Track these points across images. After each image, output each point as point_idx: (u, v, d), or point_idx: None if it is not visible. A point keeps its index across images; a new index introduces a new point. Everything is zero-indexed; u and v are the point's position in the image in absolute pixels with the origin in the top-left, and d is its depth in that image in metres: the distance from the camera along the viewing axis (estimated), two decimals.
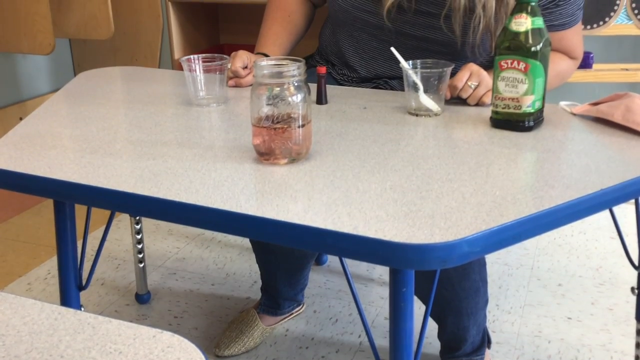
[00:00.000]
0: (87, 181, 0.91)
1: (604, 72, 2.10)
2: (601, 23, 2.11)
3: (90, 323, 0.58)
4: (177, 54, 2.46)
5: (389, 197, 0.85)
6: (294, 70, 0.94)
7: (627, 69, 2.12)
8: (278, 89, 0.95)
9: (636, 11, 2.11)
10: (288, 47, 1.47)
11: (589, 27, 2.12)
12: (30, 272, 1.97)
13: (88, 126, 1.16)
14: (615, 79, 2.09)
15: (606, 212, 1.24)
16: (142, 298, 1.79)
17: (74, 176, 0.93)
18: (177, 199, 0.85)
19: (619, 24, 2.13)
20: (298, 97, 0.95)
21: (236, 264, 2.01)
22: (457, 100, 1.26)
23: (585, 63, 2.10)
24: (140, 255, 1.77)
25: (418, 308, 1.01)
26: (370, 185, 0.89)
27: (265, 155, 0.98)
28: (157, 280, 1.92)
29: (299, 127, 0.96)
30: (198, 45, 2.56)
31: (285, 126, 0.95)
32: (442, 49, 1.32)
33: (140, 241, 1.75)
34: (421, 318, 0.98)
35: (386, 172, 0.94)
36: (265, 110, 0.95)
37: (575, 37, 1.34)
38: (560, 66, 1.34)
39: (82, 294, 1.84)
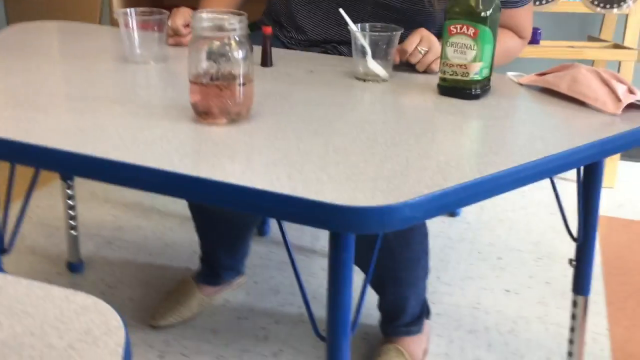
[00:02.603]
0: (7, 135, 0.84)
1: (550, 49, 2.12)
2: (550, 0, 2.12)
3: None
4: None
5: (332, 159, 0.82)
6: (236, 23, 0.89)
7: (572, 46, 2.14)
8: (218, 43, 0.89)
9: None
10: (234, 7, 1.41)
11: (537, 3, 2.12)
12: None
13: (13, 79, 1.08)
14: (562, 56, 2.11)
15: (547, 189, 1.25)
16: (75, 266, 1.72)
17: None
18: (104, 156, 0.79)
19: (568, 2, 2.14)
20: (239, 53, 0.90)
21: (176, 234, 1.95)
22: (405, 66, 1.24)
23: (533, 39, 2.11)
24: (73, 223, 1.69)
25: (361, 280, 1.00)
26: (313, 147, 0.85)
27: (203, 114, 0.92)
28: (92, 249, 1.85)
29: (239, 85, 0.91)
30: (140, 4, 2.45)
31: (225, 83, 0.90)
32: (399, 17, 1.29)
33: (72, 207, 1.67)
34: (359, 287, 0.96)
35: (330, 135, 0.90)
36: (204, 65, 0.90)
37: (526, 16, 1.33)
38: (508, 43, 1.33)
39: (12, 262, 1.75)
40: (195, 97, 0.92)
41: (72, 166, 0.80)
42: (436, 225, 2.05)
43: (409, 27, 1.24)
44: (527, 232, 2.04)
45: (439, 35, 1.30)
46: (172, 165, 0.78)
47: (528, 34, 1.36)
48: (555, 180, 1.22)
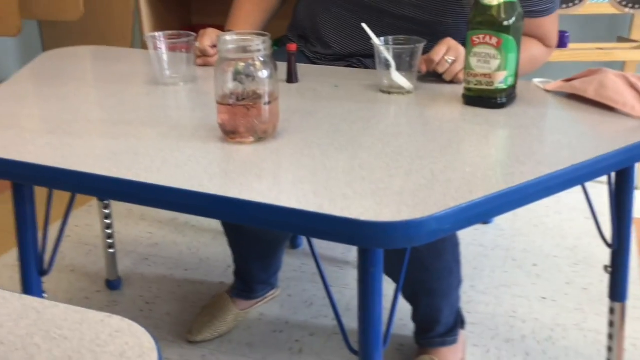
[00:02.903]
0: (44, 162, 0.87)
1: (579, 52, 2.09)
2: (577, 2, 2.10)
3: (36, 308, 0.55)
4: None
5: (357, 174, 0.83)
6: (259, 44, 0.91)
7: (601, 48, 2.11)
8: (243, 64, 0.91)
9: None
10: (260, 25, 1.43)
11: (564, 6, 2.10)
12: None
13: (48, 106, 1.11)
14: (590, 58, 2.08)
15: (582, 193, 1.23)
16: (113, 284, 1.76)
17: (30, 157, 0.89)
18: (135, 179, 0.81)
19: (595, 3, 2.12)
20: (264, 73, 0.92)
21: (210, 249, 1.98)
22: (432, 76, 1.24)
23: (561, 42, 2.08)
24: (110, 241, 1.73)
25: (386, 288, 1.00)
26: (338, 163, 0.87)
27: (230, 133, 0.94)
28: (129, 266, 1.89)
29: (265, 104, 0.92)
30: (169, 26, 2.50)
31: (251, 103, 0.92)
32: (423, 30, 1.30)
33: (109, 226, 1.71)
34: (392, 302, 0.96)
35: (355, 149, 0.91)
36: (230, 86, 0.92)
37: (552, 24, 1.33)
38: (534, 51, 1.32)
39: (52, 281, 1.80)
40: (223, 118, 0.94)
41: (104, 190, 0.83)
42: (469, 233, 2.03)
43: (432, 39, 1.24)
44: (562, 237, 2.01)
45: (463, 44, 1.31)
46: (201, 185, 0.80)
47: (554, 42, 1.35)
48: (589, 183, 1.21)
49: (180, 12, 2.62)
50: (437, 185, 0.79)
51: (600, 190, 2.06)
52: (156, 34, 1.23)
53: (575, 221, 2.10)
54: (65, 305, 0.55)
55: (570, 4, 2.10)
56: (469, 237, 2.01)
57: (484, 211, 0.76)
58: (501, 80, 1.05)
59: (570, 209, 2.17)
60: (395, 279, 1.28)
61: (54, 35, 2.94)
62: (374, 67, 1.37)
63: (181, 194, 0.78)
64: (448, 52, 1.20)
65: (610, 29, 2.39)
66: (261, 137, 0.94)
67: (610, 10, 2.12)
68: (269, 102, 0.93)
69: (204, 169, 0.85)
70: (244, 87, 0.92)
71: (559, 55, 2.08)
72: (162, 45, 1.23)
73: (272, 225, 0.76)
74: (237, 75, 0.91)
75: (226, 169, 0.85)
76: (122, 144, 0.93)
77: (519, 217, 2.13)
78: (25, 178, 0.92)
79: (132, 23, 2.65)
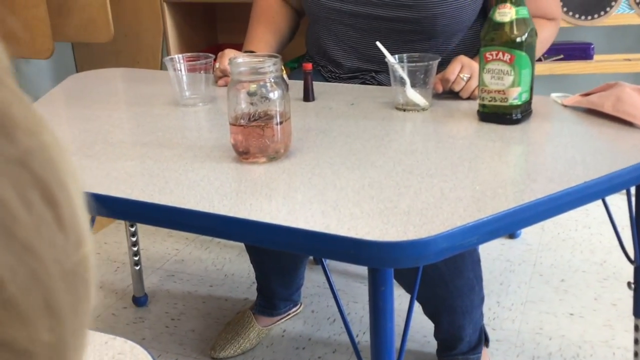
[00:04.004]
0: None
1: (605, 63, 2.06)
2: (602, 13, 2.07)
3: None
4: (173, 55, 2.45)
5: (366, 194, 0.83)
6: (270, 66, 0.92)
7: (629, 59, 2.08)
8: (255, 86, 0.93)
9: (638, 0, 2.06)
10: (275, 46, 1.45)
11: (589, 17, 2.08)
12: None
13: (70, 128, 1.15)
14: (618, 70, 2.04)
15: (612, 206, 1.21)
16: (139, 301, 1.79)
17: None
18: (149, 200, 0.83)
19: (621, 14, 2.09)
20: (275, 94, 0.93)
21: (235, 265, 1.99)
22: (448, 94, 1.24)
23: (586, 54, 2.06)
24: (136, 258, 1.76)
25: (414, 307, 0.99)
26: (349, 182, 0.87)
27: (243, 154, 0.96)
28: (156, 282, 1.91)
29: (276, 124, 0.94)
30: (195, 45, 2.55)
31: (262, 124, 0.93)
32: (416, 28, 1.31)
33: (135, 244, 1.74)
34: (416, 316, 0.96)
35: (366, 168, 0.92)
36: (243, 108, 0.94)
37: (552, 1, 1.34)
38: (542, 33, 1.32)
39: None
40: (235, 138, 0.96)
41: (117, 211, 0.85)
42: (495, 248, 2.01)
43: (431, 37, 1.27)
44: (591, 251, 1.97)
45: (466, 43, 1.34)
46: (212, 206, 0.81)
47: (557, 13, 1.37)
48: (616, 195, 1.18)
49: (206, 31, 2.66)
50: (445, 204, 0.79)
51: (625, 202, 2.02)
52: (175, 56, 1.26)
53: (605, 235, 2.06)
54: None
55: (596, 15, 2.07)
56: (495, 252, 1.98)
57: (491, 230, 0.76)
58: (515, 96, 1.05)
59: (600, 222, 2.13)
60: (416, 297, 1.28)
61: (87, 56, 3.02)
62: (387, 83, 1.38)
63: (191, 214, 0.80)
64: (462, 70, 1.20)
65: (639, 41, 2.34)
66: (273, 156, 0.96)
67: (638, 20, 2.09)
68: (281, 122, 0.94)
69: (215, 190, 0.86)
70: (255, 108, 0.93)
71: (584, 67, 2.05)
72: (182, 67, 1.26)
73: (279, 245, 0.77)
74: (248, 97, 0.93)
75: (237, 189, 0.87)
76: (138, 165, 0.96)
77: (546, 232, 2.10)
78: None
79: (162, 44, 2.71)
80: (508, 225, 0.77)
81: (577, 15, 2.08)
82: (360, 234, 0.73)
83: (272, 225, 0.76)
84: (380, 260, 0.72)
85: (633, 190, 1.12)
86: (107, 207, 0.86)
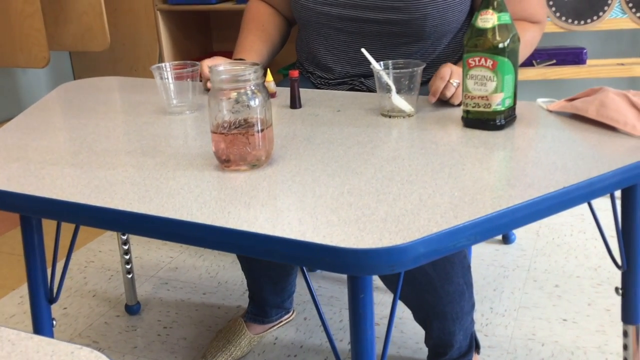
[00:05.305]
0: (42, 193, 0.90)
1: (598, 68, 2.06)
2: (595, 18, 2.07)
3: (11, 339, 0.57)
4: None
5: (345, 200, 0.83)
6: (250, 74, 0.92)
7: (622, 64, 2.07)
8: (235, 93, 0.93)
9: (630, 4, 2.06)
10: (265, 54, 1.45)
11: (582, 22, 2.08)
12: (23, 286, 1.97)
13: (56, 137, 1.15)
14: (611, 74, 2.04)
15: (608, 210, 1.20)
16: (132, 309, 1.78)
17: (30, 189, 0.92)
18: (128, 209, 0.83)
19: (614, 18, 2.09)
20: (256, 102, 0.93)
21: (229, 272, 1.99)
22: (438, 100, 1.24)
23: (579, 59, 2.06)
24: (128, 266, 1.76)
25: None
26: (328, 189, 0.87)
27: (225, 162, 0.96)
28: (149, 290, 1.91)
29: (257, 132, 0.94)
30: (190, 53, 2.55)
31: (243, 132, 0.93)
32: (406, 30, 1.32)
33: (127, 252, 1.74)
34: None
35: (347, 175, 0.91)
36: (223, 115, 0.94)
37: (537, 2, 1.34)
38: (526, 36, 1.32)
39: (74, 306, 1.84)
40: (217, 146, 0.96)
41: (96, 220, 0.85)
42: (489, 254, 2.00)
43: (420, 39, 1.28)
44: (586, 257, 1.97)
45: (454, 54, 1.35)
46: (190, 214, 0.81)
47: (541, 17, 1.36)
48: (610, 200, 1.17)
49: (201, 39, 2.67)
50: (423, 210, 0.79)
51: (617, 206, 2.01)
52: (162, 64, 1.26)
53: (599, 240, 2.05)
54: (39, 337, 0.57)
55: (589, 20, 2.07)
56: (489, 258, 1.98)
57: (468, 236, 0.75)
58: (498, 102, 1.05)
59: (595, 227, 2.12)
60: (407, 303, 1.29)
61: (85, 64, 3.03)
62: (375, 89, 1.38)
63: (169, 223, 0.80)
64: (452, 76, 1.20)
65: (633, 45, 2.34)
66: (255, 164, 0.96)
67: (631, 25, 2.09)
68: (262, 130, 0.94)
69: (195, 198, 0.86)
70: (236, 116, 0.93)
71: (577, 72, 2.05)
72: (169, 75, 1.26)
73: (256, 253, 0.77)
74: (229, 105, 0.93)
75: (217, 197, 0.87)
76: (120, 174, 0.96)
77: (541, 237, 2.09)
78: (23, 209, 0.94)
79: (158, 51, 2.72)
80: (485, 231, 0.76)
81: (569, 20, 2.08)
82: (335, 241, 0.72)
83: (248, 232, 0.76)
84: (356, 267, 0.72)
85: (618, 194, 1.11)
86: (86, 216, 0.86)
